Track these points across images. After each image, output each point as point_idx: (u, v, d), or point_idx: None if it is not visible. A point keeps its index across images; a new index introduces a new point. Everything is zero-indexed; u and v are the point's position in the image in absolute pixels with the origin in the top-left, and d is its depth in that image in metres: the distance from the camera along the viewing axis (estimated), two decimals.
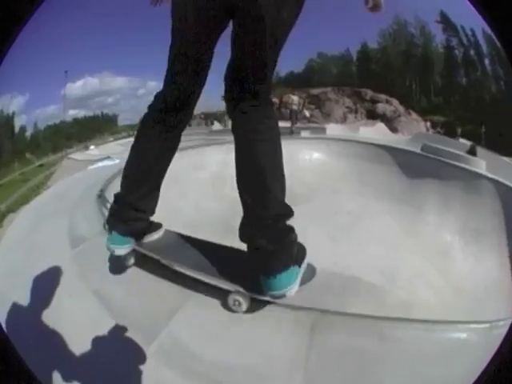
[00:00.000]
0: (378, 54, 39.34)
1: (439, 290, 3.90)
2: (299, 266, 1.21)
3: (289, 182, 4.33)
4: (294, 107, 12.93)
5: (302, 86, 28.49)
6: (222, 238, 1.73)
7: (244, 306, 1.26)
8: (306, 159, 6.31)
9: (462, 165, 5.66)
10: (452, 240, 4.81)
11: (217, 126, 23.44)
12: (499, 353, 0.88)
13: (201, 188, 4.36)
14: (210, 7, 1.15)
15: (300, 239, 1.26)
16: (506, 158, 8.23)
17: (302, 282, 1.21)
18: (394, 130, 18.04)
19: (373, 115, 20.83)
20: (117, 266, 1.56)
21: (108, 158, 9.91)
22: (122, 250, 1.41)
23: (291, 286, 1.15)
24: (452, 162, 5.77)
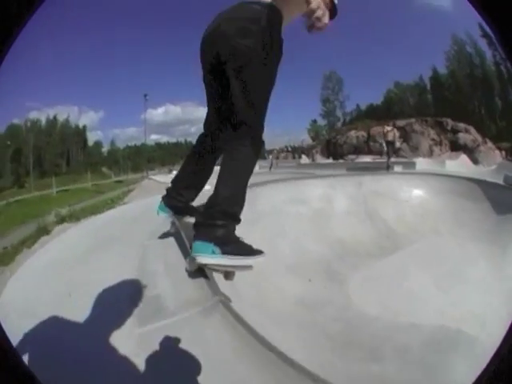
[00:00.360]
0: (448, 80, 38.63)
1: None
2: (220, 248, 1.47)
3: (391, 221, 4.30)
4: (390, 139, 12.42)
5: (383, 117, 28.40)
6: (323, 285, 2.00)
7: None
8: (406, 196, 6.23)
9: None
10: None
11: (305, 159, 24.37)
12: (499, 353, 0.86)
13: (301, 225, 3.98)
14: (206, 64, 1.74)
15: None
16: None
17: None
18: (475, 161, 16.94)
19: (455, 146, 19.86)
20: None
21: None
22: (162, 214, 2.11)
23: (203, 255, 1.46)
24: None
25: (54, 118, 74.78)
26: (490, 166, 16.38)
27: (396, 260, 3.89)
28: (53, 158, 69.37)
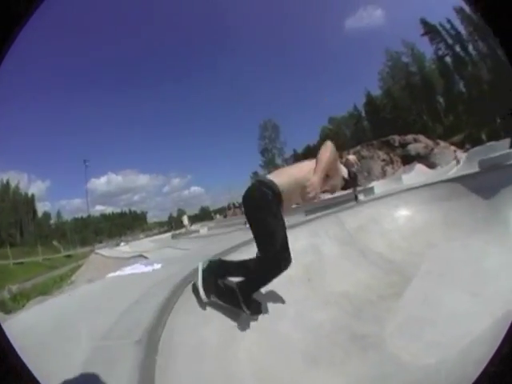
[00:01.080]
0: (383, 100, 39.80)
1: None
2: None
3: (385, 251, 3.73)
4: (353, 169, 12.36)
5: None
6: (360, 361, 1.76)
7: None
8: (390, 221, 5.86)
9: None
10: None
11: None
12: (499, 353, 0.87)
13: (296, 292, 3.37)
14: None
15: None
16: None
17: None
18: (432, 165, 17.72)
19: (408, 159, 20.70)
20: None
21: (140, 257, 9.62)
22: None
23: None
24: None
25: (7, 182, 77.89)
26: (447, 164, 17.04)
27: (416, 290, 3.36)
28: (7, 227, 72.38)
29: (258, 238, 2.31)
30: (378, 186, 11.47)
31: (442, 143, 22.39)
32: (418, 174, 13.24)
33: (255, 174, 55.58)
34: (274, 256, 2.23)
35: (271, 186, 2.31)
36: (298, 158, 41.62)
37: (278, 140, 53.92)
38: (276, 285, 2.73)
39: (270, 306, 2.83)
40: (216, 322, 2.44)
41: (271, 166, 52.38)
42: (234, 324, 2.47)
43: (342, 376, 2.06)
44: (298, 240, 4.25)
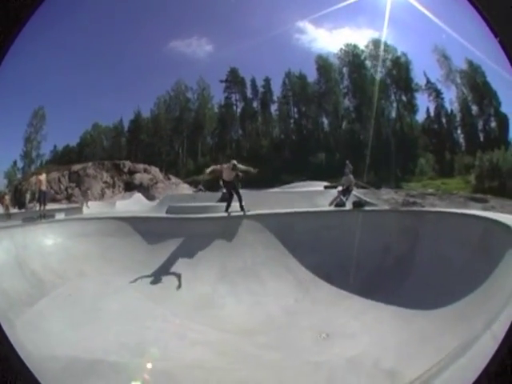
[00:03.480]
0: (148, 124, 41.13)
1: (211, 342, 4.12)
2: None
3: (37, 269, 5.15)
4: (43, 188, 11.72)
5: (76, 160, 28.08)
6: None
7: None
8: (49, 245, 6.72)
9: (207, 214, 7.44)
10: (215, 286, 5.68)
11: None
12: (499, 353, 0.87)
13: None
14: None
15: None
16: None
17: None
18: (151, 197, 19.95)
19: (131, 186, 22.32)
20: None
21: None
22: None
23: None
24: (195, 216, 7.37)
25: None
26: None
27: (41, 306, 4.92)
28: None
29: None
30: (92, 206, 12.42)
31: (175, 179, 25.50)
32: (135, 202, 14.53)
33: (14, 163, 44.91)
34: None
35: None
36: (56, 156, 37.22)
37: (41, 132, 46.31)
38: None
39: None
40: None
41: (27, 158, 44.33)
42: None
43: None
44: None
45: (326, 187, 13.91)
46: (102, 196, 20.98)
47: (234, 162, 7.50)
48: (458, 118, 35.06)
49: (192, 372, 3.26)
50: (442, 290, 4.32)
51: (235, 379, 3.16)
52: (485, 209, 13.17)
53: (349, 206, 9.23)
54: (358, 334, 4.14)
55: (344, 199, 9.90)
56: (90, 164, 23.69)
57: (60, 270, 6.02)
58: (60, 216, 9.51)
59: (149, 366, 3.32)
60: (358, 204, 9.06)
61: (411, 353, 3.26)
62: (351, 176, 11.98)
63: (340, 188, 11.77)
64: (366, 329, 4.23)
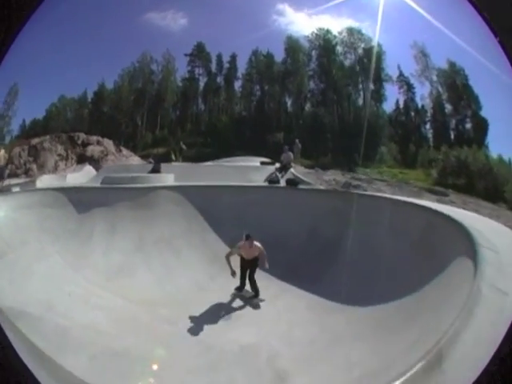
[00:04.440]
0: (111, 95, 40.01)
1: (111, 309, 4.63)
2: None
3: None
4: (1, 164, 12.55)
5: (42, 133, 27.09)
6: None
7: None
8: (0, 216, 7.08)
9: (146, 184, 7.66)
10: (130, 256, 6.14)
11: None
12: (499, 353, 0.89)
13: None
14: None
15: None
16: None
17: None
18: (100, 169, 19.24)
19: (83, 158, 22.07)
20: None
21: None
22: None
23: None
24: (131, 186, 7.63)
25: None
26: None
27: None
28: None
29: None
30: (45, 180, 12.29)
31: (126, 152, 25.22)
32: (85, 174, 14.61)
33: None
34: None
35: None
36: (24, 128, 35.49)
37: (13, 107, 43.85)
38: None
39: None
40: None
41: None
42: None
43: None
44: None
45: (262, 163, 13.60)
46: (55, 169, 20.62)
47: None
48: (429, 114, 35.21)
49: (84, 332, 3.85)
50: (366, 282, 4.42)
51: (120, 345, 3.55)
52: (440, 202, 12.87)
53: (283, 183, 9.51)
54: (261, 323, 4.30)
55: (279, 176, 10.18)
56: (47, 137, 23.10)
57: (8, 239, 6.42)
58: (15, 190, 9.69)
59: (51, 321, 3.87)
60: (292, 182, 9.34)
61: (306, 354, 3.34)
62: (290, 153, 12.40)
63: (278, 165, 12.13)
64: (274, 317, 4.36)
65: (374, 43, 35.40)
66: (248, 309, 4.72)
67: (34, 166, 21.13)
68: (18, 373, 1.48)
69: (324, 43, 38.99)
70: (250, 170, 11.56)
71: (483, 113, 31.67)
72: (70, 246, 6.41)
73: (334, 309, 4.15)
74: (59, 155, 22.00)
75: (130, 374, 3.40)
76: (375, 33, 34.96)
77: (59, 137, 23.48)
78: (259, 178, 10.39)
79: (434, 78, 34.47)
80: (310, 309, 4.35)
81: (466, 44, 24.17)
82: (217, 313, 4.58)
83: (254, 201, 7.03)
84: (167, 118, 41.08)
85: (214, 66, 41.99)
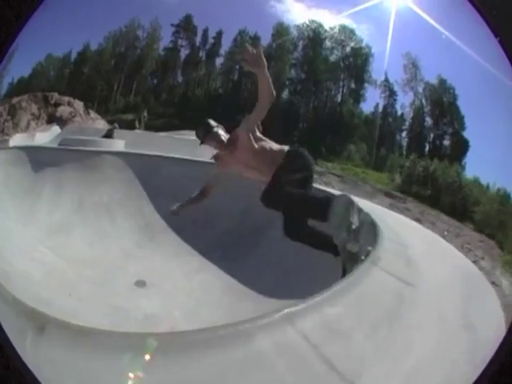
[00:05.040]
0: (94, 57, 38.89)
1: (45, 263, 4.74)
2: None
3: None
4: None
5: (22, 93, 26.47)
6: None
7: None
8: None
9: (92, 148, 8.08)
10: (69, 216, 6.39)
11: None
12: (499, 353, 0.90)
13: None
14: None
15: None
16: None
17: None
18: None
19: (52, 119, 22.48)
20: None
21: None
22: None
23: None
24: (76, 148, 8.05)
25: None
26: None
27: None
28: None
29: None
30: (17, 138, 12.20)
31: (94, 115, 25.31)
32: (51, 135, 14.40)
33: None
34: None
35: None
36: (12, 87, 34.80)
37: (9, 65, 41.87)
38: None
39: None
40: None
41: None
42: None
43: None
44: None
45: None
46: (27, 128, 21.02)
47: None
48: (407, 123, 35.03)
49: (19, 278, 3.80)
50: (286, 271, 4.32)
51: (46, 295, 3.64)
52: (393, 206, 12.67)
53: None
54: (173, 296, 4.22)
55: None
56: (25, 96, 23.27)
57: None
58: None
59: None
60: None
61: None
62: None
63: None
64: (186, 292, 4.33)
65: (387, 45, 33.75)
66: (164, 280, 4.75)
67: (10, 125, 21.69)
68: None
69: (313, 35, 39.12)
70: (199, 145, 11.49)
71: (468, 134, 31.09)
72: (23, 203, 6.69)
73: (248, 296, 4.15)
74: (32, 114, 22.21)
75: None
76: (374, 36, 35.74)
77: (36, 96, 23.61)
78: (208, 154, 10.51)
79: (420, 89, 34.35)
80: (224, 291, 4.37)
81: (469, 57, 24.00)
82: (134, 279, 4.66)
83: (194, 176, 5.92)
84: (143, 85, 40.54)
85: (198, 40, 41.52)
